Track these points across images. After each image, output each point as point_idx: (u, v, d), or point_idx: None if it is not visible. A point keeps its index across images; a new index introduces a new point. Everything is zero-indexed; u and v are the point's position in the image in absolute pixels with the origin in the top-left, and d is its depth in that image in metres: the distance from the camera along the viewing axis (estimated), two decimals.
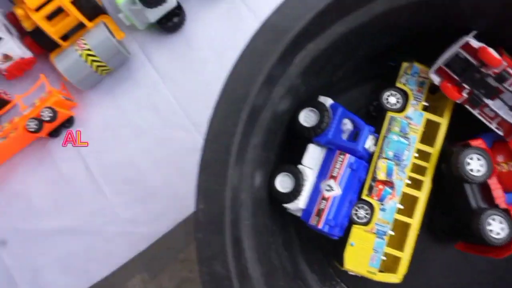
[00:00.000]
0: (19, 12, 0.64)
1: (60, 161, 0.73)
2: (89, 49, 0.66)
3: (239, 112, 0.39)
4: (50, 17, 0.65)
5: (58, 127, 0.71)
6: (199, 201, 0.39)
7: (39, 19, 0.63)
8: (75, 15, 0.65)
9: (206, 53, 0.71)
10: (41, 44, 0.69)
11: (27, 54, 0.71)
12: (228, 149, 0.39)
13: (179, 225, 0.68)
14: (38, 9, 0.63)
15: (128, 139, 0.72)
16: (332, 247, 0.56)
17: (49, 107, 0.68)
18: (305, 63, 0.47)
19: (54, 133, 0.72)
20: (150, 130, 0.71)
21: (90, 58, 0.66)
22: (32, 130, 0.68)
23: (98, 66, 0.67)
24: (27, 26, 0.65)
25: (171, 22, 0.70)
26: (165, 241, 0.69)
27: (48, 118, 0.68)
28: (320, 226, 0.49)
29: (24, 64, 0.71)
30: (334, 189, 0.50)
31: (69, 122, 0.72)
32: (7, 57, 0.70)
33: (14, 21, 0.74)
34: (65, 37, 0.69)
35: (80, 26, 0.69)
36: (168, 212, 0.69)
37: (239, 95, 0.40)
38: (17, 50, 0.70)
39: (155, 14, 0.68)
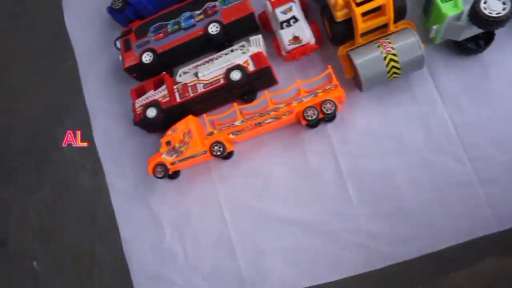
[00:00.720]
0: (339, 1, 0.62)
1: (310, 153, 0.72)
2: (394, 54, 0.63)
3: None
4: (364, 13, 0.63)
5: (320, 119, 0.70)
6: None
7: (358, 13, 0.62)
8: (389, 16, 0.63)
9: (503, 87, 0.66)
10: (336, 34, 0.68)
11: (313, 40, 0.71)
12: None
13: (426, 255, 0.64)
14: (360, 4, 0.62)
15: (389, 151, 0.68)
16: None
17: (331, 100, 0.67)
18: None
19: (313, 124, 0.71)
20: (416, 149, 0.67)
21: (392, 62, 0.64)
22: (310, 118, 0.67)
23: (394, 71, 0.64)
24: (338, 16, 0.64)
25: (474, 45, 0.66)
26: (406, 267, 0.65)
27: (328, 111, 0.67)
28: None
29: (307, 49, 0.71)
30: None
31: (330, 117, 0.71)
32: (296, 39, 0.70)
33: (303, 5, 0.74)
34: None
35: (379, 27, 0.66)
36: (417, 239, 0.65)
37: None
38: (307, 34, 0.70)
39: (468, 33, 0.63)
